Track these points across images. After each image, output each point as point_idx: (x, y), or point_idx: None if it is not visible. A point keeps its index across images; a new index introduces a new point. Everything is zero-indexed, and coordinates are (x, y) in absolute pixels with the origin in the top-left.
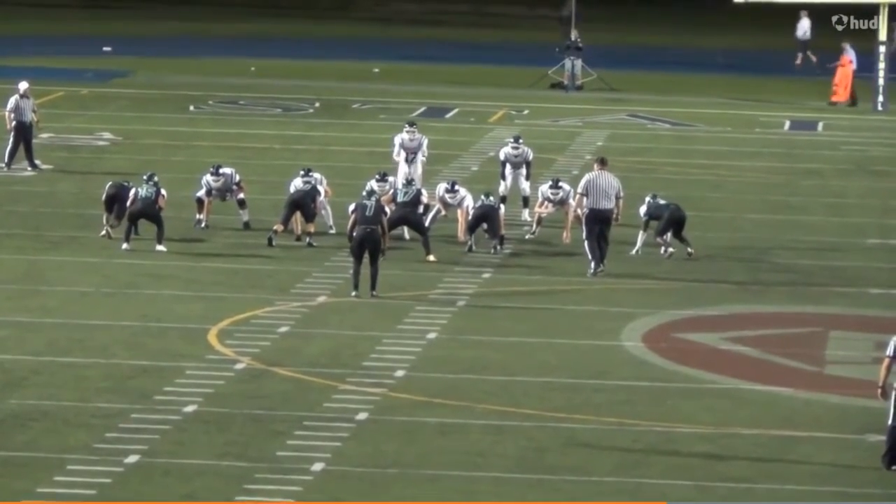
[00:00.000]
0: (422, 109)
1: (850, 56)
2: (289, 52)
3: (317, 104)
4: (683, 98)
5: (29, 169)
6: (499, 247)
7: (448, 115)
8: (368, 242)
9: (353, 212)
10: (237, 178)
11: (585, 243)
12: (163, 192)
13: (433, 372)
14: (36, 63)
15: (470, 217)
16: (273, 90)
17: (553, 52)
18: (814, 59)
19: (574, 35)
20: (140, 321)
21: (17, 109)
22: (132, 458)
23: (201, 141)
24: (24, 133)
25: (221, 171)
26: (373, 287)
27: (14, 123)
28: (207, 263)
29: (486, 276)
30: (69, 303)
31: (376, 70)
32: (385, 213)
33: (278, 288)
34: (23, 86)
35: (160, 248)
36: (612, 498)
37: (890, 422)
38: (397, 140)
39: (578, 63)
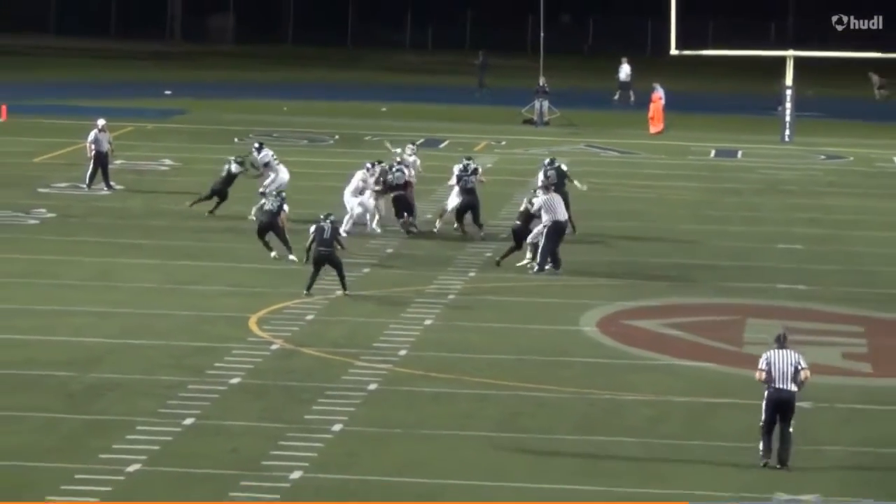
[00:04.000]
0: (421, 140)
1: (660, 93)
2: (313, 94)
3: (336, 136)
4: (629, 131)
5: (105, 189)
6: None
7: (441, 146)
8: (327, 261)
9: (312, 232)
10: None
11: (544, 249)
12: (285, 207)
13: (430, 351)
14: (111, 104)
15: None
16: (300, 125)
17: (524, 95)
18: (632, 98)
19: (542, 81)
20: (194, 311)
21: (96, 141)
22: (189, 421)
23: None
24: (101, 160)
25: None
26: (344, 287)
27: (94, 152)
28: (246, 265)
29: (471, 274)
30: (137, 296)
31: (384, 109)
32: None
33: (304, 285)
34: (101, 122)
35: (291, 257)
36: (572, 452)
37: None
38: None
39: (546, 103)
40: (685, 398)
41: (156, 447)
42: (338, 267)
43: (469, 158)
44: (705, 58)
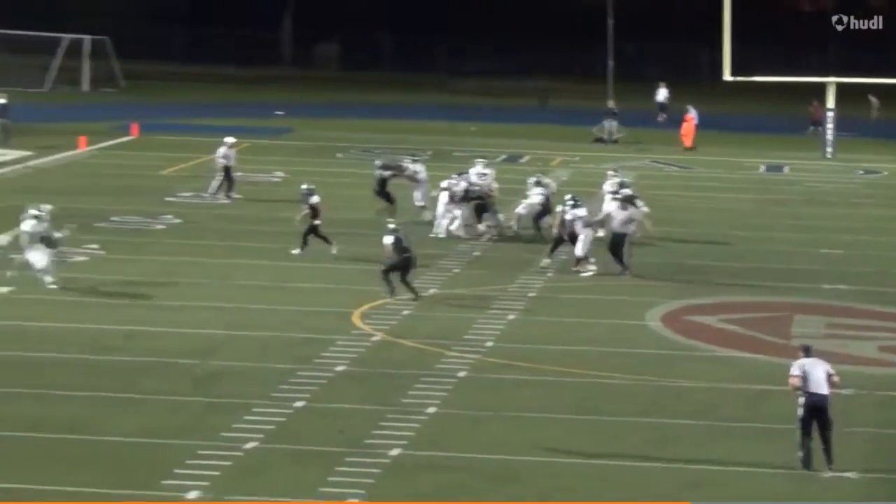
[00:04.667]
0: (504, 156)
1: (692, 114)
2: (409, 115)
3: (430, 152)
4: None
5: (226, 199)
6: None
7: (522, 160)
8: (407, 265)
9: (391, 243)
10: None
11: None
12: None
13: (513, 343)
14: (229, 122)
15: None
16: (398, 142)
17: (595, 116)
18: (665, 117)
19: (611, 103)
20: (304, 306)
21: (225, 156)
22: (299, 404)
23: (346, 178)
24: (228, 173)
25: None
26: (413, 292)
27: (222, 165)
28: (350, 266)
29: (549, 275)
30: (252, 293)
31: (473, 128)
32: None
33: (387, 290)
34: (229, 140)
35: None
36: (639, 432)
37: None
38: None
39: (615, 123)
40: (739, 385)
41: (271, 427)
42: (408, 271)
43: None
44: (756, 83)
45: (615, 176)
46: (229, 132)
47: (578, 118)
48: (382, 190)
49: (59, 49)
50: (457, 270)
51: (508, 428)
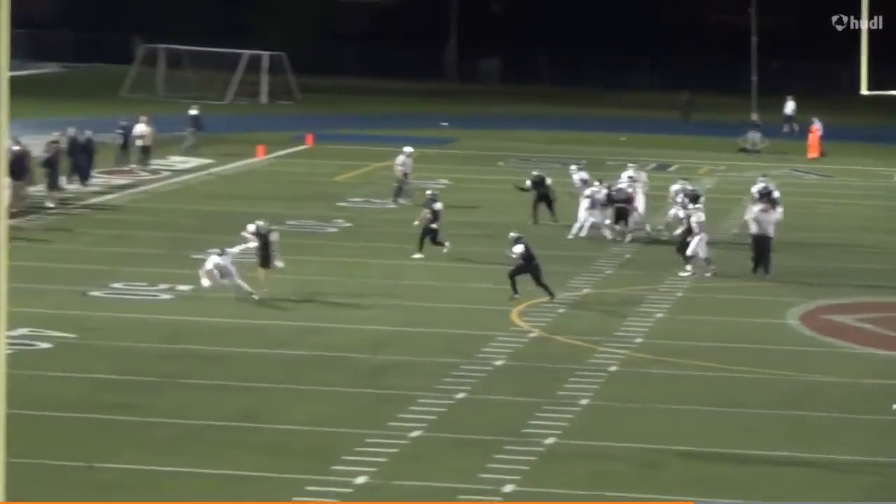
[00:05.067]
0: (653, 165)
1: (817, 126)
2: (564, 126)
3: (583, 161)
4: (828, 158)
5: (394, 204)
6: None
7: (670, 169)
8: (535, 270)
9: (521, 252)
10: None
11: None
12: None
13: (661, 340)
14: (397, 132)
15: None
16: (553, 152)
17: (739, 128)
18: (796, 128)
19: (754, 116)
20: (465, 304)
21: (403, 164)
22: (460, 395)
23: (505, 185)
24: (403, 181)
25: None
26: (550, 293)
27: (401, 173)
28: (509, 267)
29: (694, 276)
30: (417, 291)
31: (623, 139)
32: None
33: (557, 283)
34: (408, 149)
35: None
36: (777, 424)
37: None
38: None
39: (758, 135)
40: (875, 381)
41: (433, 417)
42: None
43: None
44: (892, 97)
45: (763, 181)
46: (398, 142)
47: (722, 130)
48: (541, 196)
49: (240, 65)
50: (609, 272)
51: (656, 419)
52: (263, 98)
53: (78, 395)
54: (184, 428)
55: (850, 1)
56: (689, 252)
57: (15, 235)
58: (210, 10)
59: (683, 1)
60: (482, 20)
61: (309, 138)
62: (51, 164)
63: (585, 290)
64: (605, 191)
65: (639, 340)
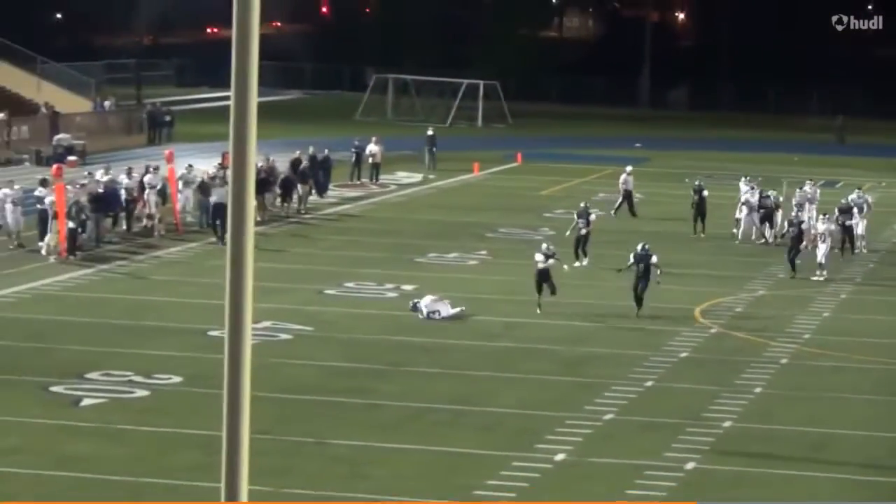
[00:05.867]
0: (822, 181)
1: None
2: (746, 147)
3: (759, 178)
4: None
5: (632, 215)
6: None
7: (837, 186)
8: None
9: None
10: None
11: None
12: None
13: (827, 335)
14: (595, 152)
15: None
16: (734, 169)
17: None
18: None
19: None
20: (655, 303)
21: (625, 181)
22: (649, 384)
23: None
24: (628, 196)
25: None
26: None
27: (623, 189)
28: (694, 271)
29: (857, 280)
30: (613, 292)
31: (796, 158)
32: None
33: (736, 285)
34: (629, 168)
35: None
36: None
37: None
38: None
39: None
40: None
41: (625, 402)
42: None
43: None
44: None
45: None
46: (593, 161)
47: (877, 152)
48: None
49: (459, 92)
50: (781, 275)
51: (821, 406)
52: (479, 122)
53: (314, 380)
54: (406, 410)
55: None
56: (821, 259)
57: (261, 241)
58: (433, 45)
59: (848, 37)
60: (672, 53)
61: (519, 157)
62: (292, 180)
63: (760, 292)
64: (756, 196)
65: (807, 336)
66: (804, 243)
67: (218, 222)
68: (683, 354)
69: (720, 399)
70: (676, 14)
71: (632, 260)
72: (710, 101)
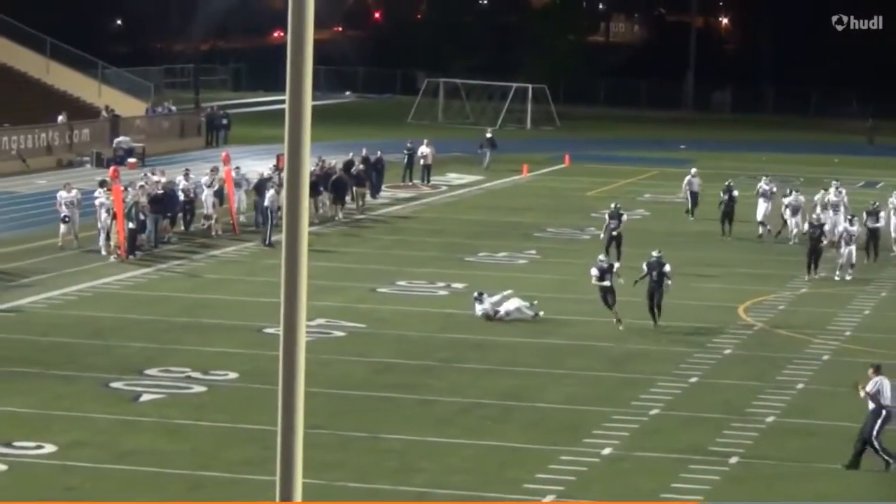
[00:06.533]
0: (861, 183)
1: None
2: (787, 149)
3: (801, 179)
4: None
5: (692, 217)
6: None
7: (877, 186)
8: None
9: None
10: None
11: None
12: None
13: (868, 333)
14: (641, 154)
15: None
16: (776, 171)
17: None
18: None
19: None
20: (700, 300)
21: (689, 182)
22: (693, 379)
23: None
24: (694, 198)
25: None
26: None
27: (688, 191)
28: (738, 270)
29: None
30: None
31: (836, 160)
32: None
33: (777, 284)
34: (694, 170)
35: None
36: None
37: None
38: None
39: None
40: None
41: (670, 397)
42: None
43: None
44: None
45: None
46: (639, 163)
47: None
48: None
49: (508, 96)
50: (823, 273)
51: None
52: (528, 124)
53: (366, 376)
54: (457, 405)
55: None
56: (845, 260)
57: (315, 241)
58: (483, 49)
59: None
60: (716, 58)
61: (566, 159)
62: (345, 182)
63: (803, 290)
64: (792, 199)
65: (848, 333)
66: (824, 243)
67: (261, 221)
68: (727, 351)
69: (763, 395)
70: (720, 19)
71: (645, 269)
72: (753, 103)
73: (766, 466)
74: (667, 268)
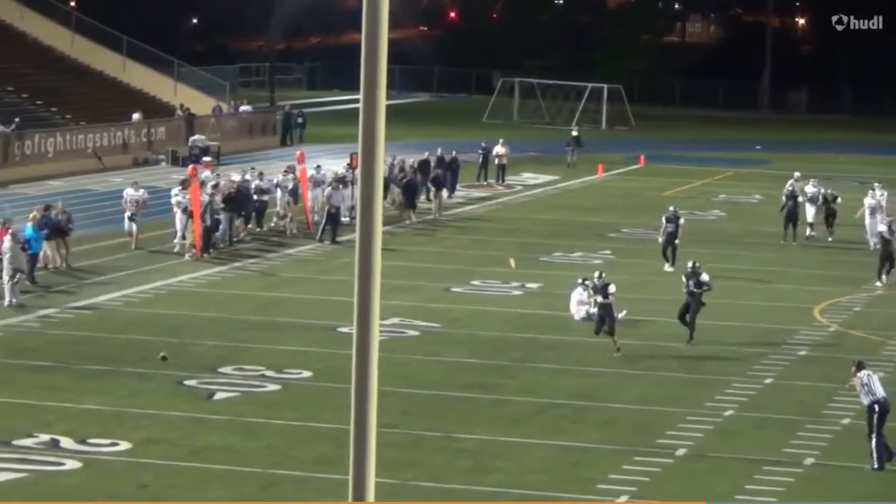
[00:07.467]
0: None
1: None
2: (864, 150)
3: (880, 181)
4: None
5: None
6: None
7: None
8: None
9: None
10: None
11: None
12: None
13: None
14: (717, 154)
15: None
16: (853, 172)
17: None
18: None
19: None
20: (775, 301)
21: (791, 186)
22: (768, 381)
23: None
24: (793, 198)
25: None
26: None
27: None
28: (811, 271)
29: None
30: (735, 290)
31: None
32: None
33: (854, 285)
34: (797, 174)
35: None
36: None
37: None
38: None
39: None
40: None
41: (744, 398)
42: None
43: None
44: None
45: None
46: (715, 164)
47: None
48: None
49: (584, 95)
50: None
51: None
52: (603, 124)
53: (440, 375)
54: (531, 405)
55: None
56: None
57: (389, 240)
58: (558, 49)
59: None
60: (793, 58)
61: (642, 158)
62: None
63: (878, 292)
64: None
65: None
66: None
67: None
68: (802, 352)
69: (838, 396)
70: (796, 19)
71: (685, 280)
72: (829, 104)
73: (842, 469)
74: (704, 276)
